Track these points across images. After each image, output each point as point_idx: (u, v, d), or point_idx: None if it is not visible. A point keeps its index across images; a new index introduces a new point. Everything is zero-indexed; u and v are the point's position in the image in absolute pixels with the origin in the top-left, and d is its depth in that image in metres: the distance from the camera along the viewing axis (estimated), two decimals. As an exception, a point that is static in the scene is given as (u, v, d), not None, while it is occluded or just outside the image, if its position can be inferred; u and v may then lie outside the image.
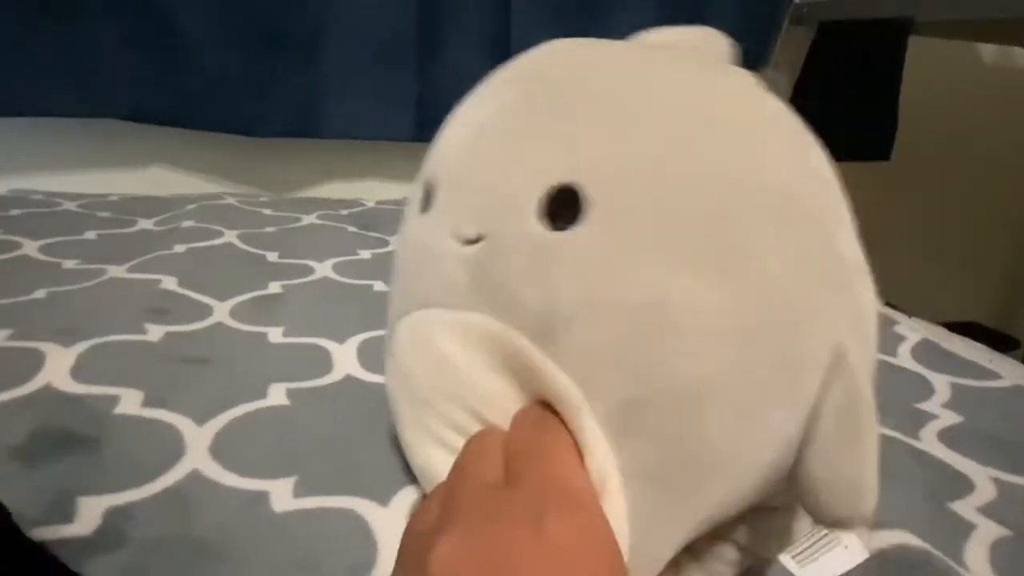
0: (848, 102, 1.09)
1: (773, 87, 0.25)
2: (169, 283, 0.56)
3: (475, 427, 0.25)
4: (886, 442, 0.34)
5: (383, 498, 0.32)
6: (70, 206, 0.79)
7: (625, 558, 0.20)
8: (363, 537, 0.29)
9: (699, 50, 0.31)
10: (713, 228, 0.21)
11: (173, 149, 0.97)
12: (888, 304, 0.72)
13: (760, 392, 0.21)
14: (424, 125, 1.00)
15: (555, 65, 0.27)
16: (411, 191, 0.32)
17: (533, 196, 0.23)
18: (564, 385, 0.22)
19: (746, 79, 0.26)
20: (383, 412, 0.36)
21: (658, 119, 0.23)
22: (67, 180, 0.91)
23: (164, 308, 0.51)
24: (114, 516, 0.29)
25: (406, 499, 0.31)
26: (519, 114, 0.26)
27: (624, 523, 0.21)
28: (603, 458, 0.21)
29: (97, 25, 0.84)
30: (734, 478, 0.22)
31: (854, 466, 0.22)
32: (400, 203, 0.98)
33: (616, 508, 0.21)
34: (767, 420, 0.22)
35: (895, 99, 1.11)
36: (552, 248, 0.22)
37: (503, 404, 0.25)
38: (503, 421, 0.25)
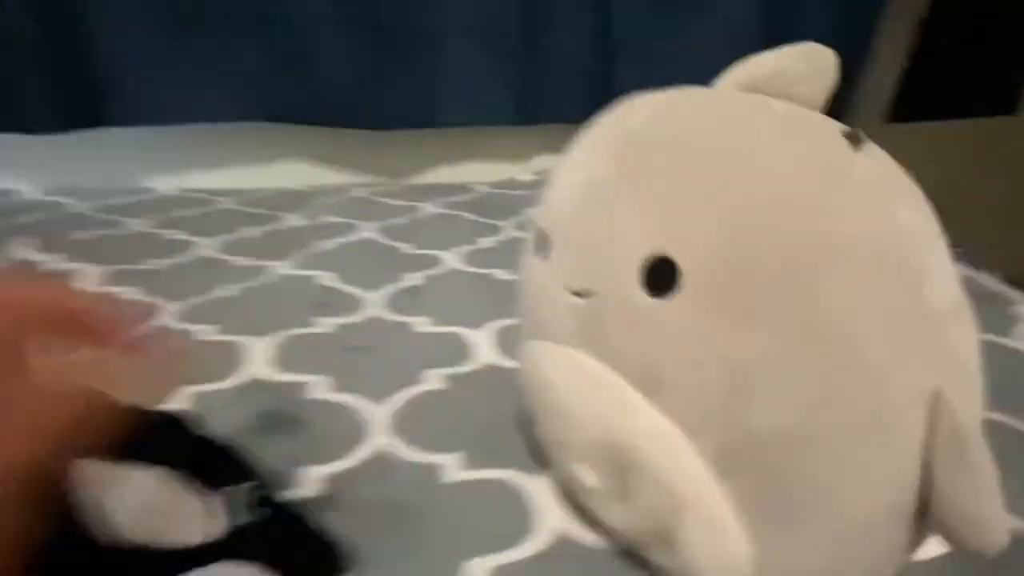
0: (971, 58, 1.04)
1: (866, 131, 0.28)
2: (327, 279, 0.65)
3: (573, 441, 0.31)
4: (998, 429, 0.35)
5: (539, 469, 0.38)
6: (227, 203, 0.91)
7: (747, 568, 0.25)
8: (520, 505, 0.36)
9: (803, 78, 0.34)
10: (795, 290, 0.24)
11: (302, 146, 1.07)
12: (1011, 280, 0.71)
13: (848, 437, 0.24)
14: (527, 109, 1.05)
15: (648, 128, 0.29)
16: (530, 233, 0.37)
17: (633, 264, 0.27)
18: (664, 426, 0.26)
19: (835, 136, 0.27)
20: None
21: (745, 186, 0.25)
22: (218, 178, 1.03)
23: (326, 302, 0.60)
24: (327, 484, 0.38)
25: (557, 473, 0.38)
26: (618, 181, 0.28)
27: (745, 546, 0.25)
28: (712, 491, 0.25)
29: (239, 37, 0.93)
30: (837, 514, 0.25)
31: (972, 503, 0.24)
32: (506, 185, 1.04)
33: (732, 527, 0.25)
34: (861, 461, 0.24)
35: (1022, 52, 1.04)
36: (651, 313, 0.26)
37: (584, 427, 0.29)
38: (590, 443, 0.29)
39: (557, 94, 1.04)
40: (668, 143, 0.28)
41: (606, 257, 0.28)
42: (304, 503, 0.33)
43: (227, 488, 0.29)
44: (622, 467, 0.28)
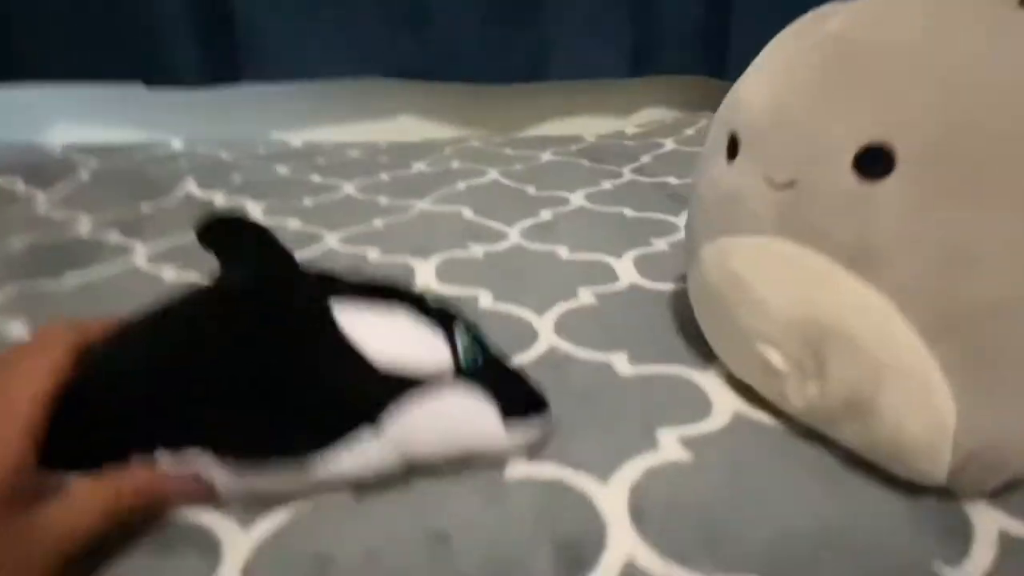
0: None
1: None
2: (468, 214, 0.69)
3: (763, 327, 0.33)
4: None
5: (703, 366, 0.42)
6: (354, 153, 0.97)
7: (952, 427, 0.28)
8: (696, 391, 0.40)
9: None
10: (1014, 168, 0.26)
11: (415, 101, 1.12)
12: None
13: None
14: (639, 63, 1.06)
15: (851, 30, 0.31)
16: (710, 140, 0.39)
17: (847, 151, 0.29)
18: (871, 299, 0.28)
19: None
20: (671, 310, 0.46)
21: (958, 78, 0.27)
22: (340, 132, 1.10)
23: (474, 234, 0.64)
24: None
25: (723, 368, 0.41)
26: (827, 77, 0.30)
27: (950, 401, 0.27)
28: (919, 357, 0.27)
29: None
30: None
31: None
32: (614, 137, 1.06)
33: (940, 389, 0.27)
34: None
35: None
36: (864, 196, 0.28)
37: (777, 311, 0.32)
38: (785, 326, 0.32)
39: (669, 48, 1.05)
40: (874, 43, 0.30)
41: (814, 148, 0.30)
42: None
43: (457, 330, 0.33)
44: (819, 344, 0.31)
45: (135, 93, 0.95)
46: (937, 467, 0.29)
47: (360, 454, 0.30)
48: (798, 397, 0.33)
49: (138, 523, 0.30)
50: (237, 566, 0.28)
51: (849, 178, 0.29)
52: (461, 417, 0.31)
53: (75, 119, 1.03)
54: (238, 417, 0.29)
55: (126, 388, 0.30)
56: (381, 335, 0.31)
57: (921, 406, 0.28)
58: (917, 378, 0.28)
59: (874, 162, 0.28)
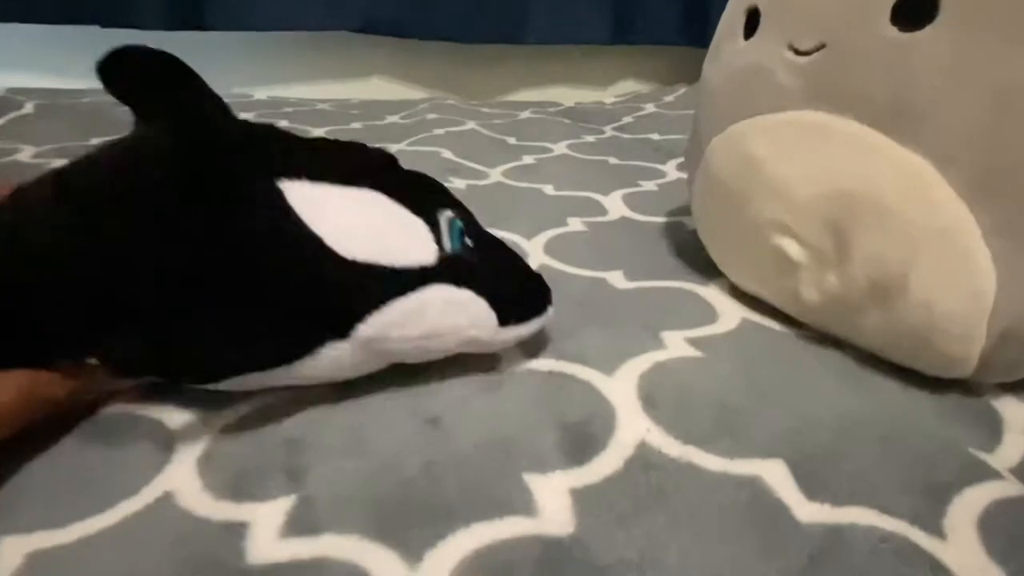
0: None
1: None
2: (447, 154, 0.66)
3: (780, 215, 0.31)
4: None
5: (704, 282, 0.39)
6: (324, 107, 0.92)
7: (991, 297, 0.25)
8: (700, 300, 0.37)
9: None
10: None
11: (388, 61, 1.08)
12: None
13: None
14: (619, 29, 1.04)
15: None
16: (721, 26, 0.37)
17: (886, 1, 0.27)
18: (910, 160, 0.26)
19: None
20: (665, 238, 0.44)
21: None
22: (308, 89, 1.05)
23: (454, 169, 0.61)
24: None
25: (725, 284, 0.39)
26: None
27: (991, 266, 0.25)
28: (961, 220, 0.25)
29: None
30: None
31: None
32: (595, 104, 1.04)
33: (980, 255, 0.25)
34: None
35: None
36: (905, 47, 0.27)
37: (800, 191, 0.30)
38: (799, 208, 0.30)
39: (651, 15, 1.04)
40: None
41: (847, 6, 0.28)
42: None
43: (442, 212, 0.28)
44: (845, 222, 0.28)
45: (89, 38, 0.89)
46: (969, 349, 0.27)
47: (324, 358, 0.25)
48: (814, 290, 0.31)
49: (75, 413, 0.26)
50: (193, 455, 0.24)
51: (887, 31, 0.27)
52: (444, 310, 0.26)
53: (20, 64, 0.96)
54: (167, 328, 0.23)
55: (32, 283, 0.23)
56: (346, 219, 0.26)
57: (958, 276, 0.26)
58: (956, 245, 0.26)
59: (915, 10, 0.26)
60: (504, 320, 0.28)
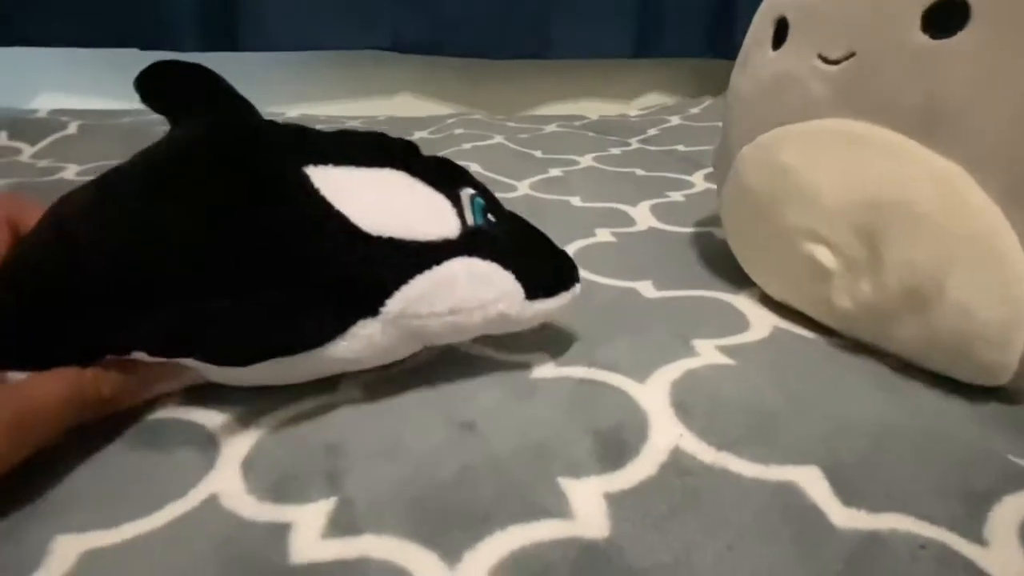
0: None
1: None
2: (475, 168, 0.67)
3: (812, 223, 0.31)
4: None
5: (734, 291, 0.39)
6: (354, 123, 0.94)
7: None
8: (731, 309, 0.37)
9: None
10: None
11: (415, 78, 1.10)
12: None
13: None
14: (643, 43, 1.05)
15: None
16: (750, 37, 0.38)
17: (917, 9, 0.27)
18: (943, 166, 0.26)
19: None
20: (694, 248, 0.44)
21: None
22: (337, 107, 1.07)
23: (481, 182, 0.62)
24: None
25: (756, 292, 0.39)
26: None
27: None
28: (996, 225, 0.25)
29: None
30: None
31: None
32: (620, 117, 1.04)
33: (1017, 260, 0.25)
34: None
35: None
36: (936, 54, 0.27)
37: (831, 199, 0.30)
38: (830, 217, 0.30)
39: (675, 28, 1.04)
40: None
41: (877, 13, 0.28)
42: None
43: (463, 189, 0.29)
44: (878, 229, 0.28)
45: (128, 60, 0.92)
46: (1008, 355, 0.26)
47: (358, 338, 0.25)
48: (847, 298, 0.31)
49: (120, 415, 0.27)
50: (237, 459, 0.25)
51: (918, 37, 0.27)
52: (470, 283, 0.26)
53: (64, 86, 1.00)
54: (206, 309, 0.24)
55: (70, 279, 0.25)
56: (370, 198, 0.26)
57: (995, 282, 0.26)
58: (992, 250, 0.25)
59: (945, 17, 0.26)
60: (531, 294, 0.28)
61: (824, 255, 0.31)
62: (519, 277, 0.27)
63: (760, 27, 0.35)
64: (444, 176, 0.29)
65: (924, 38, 0.27)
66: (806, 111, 0.31)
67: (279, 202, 0.25)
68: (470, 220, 0.28)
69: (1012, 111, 0.25)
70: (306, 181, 0.26)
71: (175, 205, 0.25)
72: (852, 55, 0.29)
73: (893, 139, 0.27)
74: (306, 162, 0.26)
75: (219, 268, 0.24)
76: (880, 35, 0.28)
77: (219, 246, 0.24)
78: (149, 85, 0.28)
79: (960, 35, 0.26)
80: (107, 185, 0.27)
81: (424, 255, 0.26)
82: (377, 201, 0.26)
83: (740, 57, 0.38)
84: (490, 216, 0.29)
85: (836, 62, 0.30)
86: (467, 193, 0.29)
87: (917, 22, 0.27)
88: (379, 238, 0.25)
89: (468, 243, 0.27)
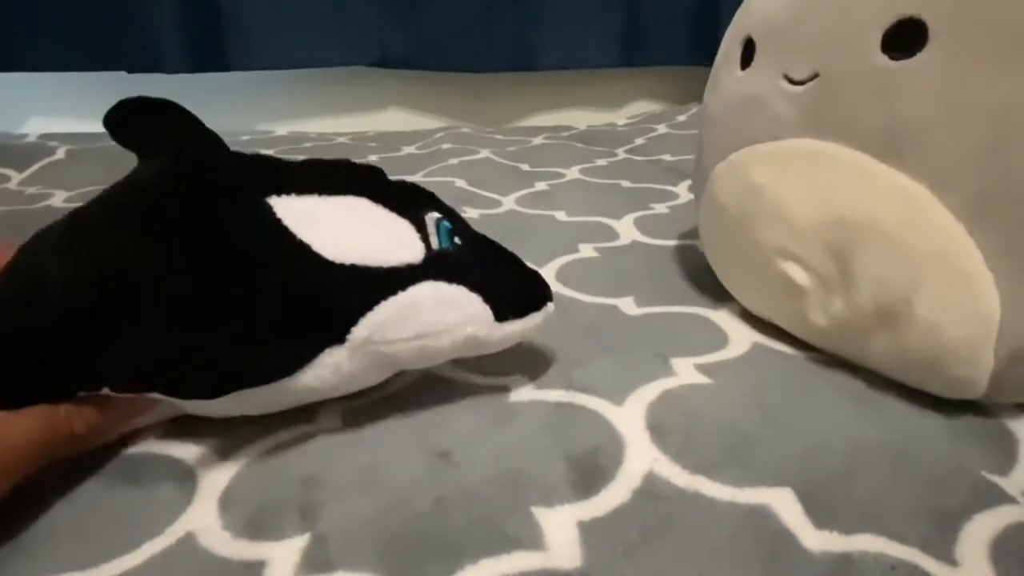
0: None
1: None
2: (461, 183, 0.67)
3: (784, 241, 0.31)
4: None
5: (715, 306, 0.39)
6: (342, 140, 0.95)
7: (996, 320, 0.25)
8: (710, 325, 0.37)
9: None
10: None
11: (403, 93, 1.11)
12: None
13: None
14: (628, 52, 1.06)
15: None
16: (720, 55, 0.38)
17: (874, 33, 0.27)
18: (906, 185, 0.26)
19: None
20: (676, 262, 0.44)
21: None
22: (325, 123, 1.08)
23: (469, 199, 0.62)
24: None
25: (736, 307, 0.39)
26: None
27: (993, 289, 0.25)
28: (960, 244, 0.25)
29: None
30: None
31: None
32: (607, 126, 1.05)
33: (982, 278, 0.25)
34: None
35: None
36: (897, 74, 0.27)
37: (801, 217, 0.30)
38: (802, 235, 0.30)
39: (660, 36, 1.05)
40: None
41: (838, 34, 0.28)
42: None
43: (428, 214, 0.29)
44: (847, 248, 0.29)
45: (115, 82, 0.92)
46: (977, 372, 0.27)
47: (325, 367, 0.25)
48: (822, 315, 0.31)
49: (99, 450, 0.27)
50: (215, 493, 0.25)
51: (879, 59, 0.27)
52: (437, 306, 0.26)
53: (54, 110, 1.00)
54: (170, 343, 0.24)
55: (38, 317, 0.25)
56: (334, 226, 0.26)
57: (962, 299, 0.26)
58: (957, 268, 0.26)
59: (904, 38, 0.26)
60: (501, 315, 0.28)
61: (797, 272, 0.31)
62: (487, 299, 0.28)
63: (729, 46, 0.36)
64: (409, 201, 0.30)
65: (884, 59, 0.27)
66: (773, 131, 0.31)
67: (241, 234, 0.25)
68: (436, 244, 0.28)
69: (972, 130, 0.25)
70: (268, 212, 0.26)
71: (137, 241, 0.25)
72: (816, 76, 0.29)
73: (857, 159, 0.28)
74: (269, 193, 0.27)
75: (182, 301, 0.24)
76: (842, 56, 0.28)
77: (181, 279, 0.24)
78: (117, 122, 0.28)
79: (919, 56, 0.26)
80: (75, 222, 0.27)
81: (388, 281, 0.26)
82: (341, 229, 0.27)
83: (711, 76, 0.38)
84: (456, 239, 0.29)
85: (801, 83, 0.30)
86: (432, 217, 0.29)
87: (878, 43, 0.27)
88: (343, 266, 0.26)
89: (433, 267, 0.27)
